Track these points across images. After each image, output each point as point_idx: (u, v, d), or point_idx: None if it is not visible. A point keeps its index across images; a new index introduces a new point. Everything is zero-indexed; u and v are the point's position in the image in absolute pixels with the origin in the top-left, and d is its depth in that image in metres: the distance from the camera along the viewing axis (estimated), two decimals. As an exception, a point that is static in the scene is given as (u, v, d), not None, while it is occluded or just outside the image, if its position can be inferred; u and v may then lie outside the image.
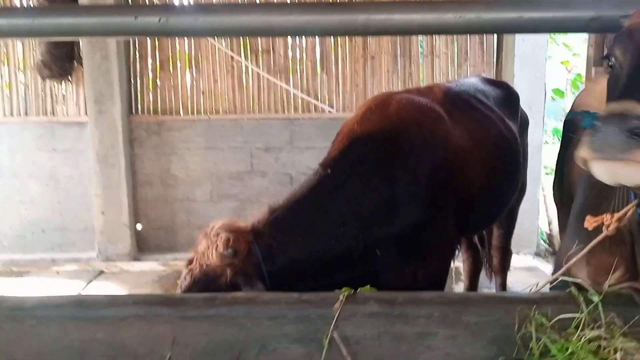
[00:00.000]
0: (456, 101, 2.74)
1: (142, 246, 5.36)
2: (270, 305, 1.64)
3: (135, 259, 5.21)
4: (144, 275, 4.64)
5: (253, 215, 2.28)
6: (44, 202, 5.35)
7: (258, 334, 1.59)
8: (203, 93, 5.37)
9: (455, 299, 1.80)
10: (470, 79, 3.57)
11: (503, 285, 3.65)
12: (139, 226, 5.36)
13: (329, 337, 1.54)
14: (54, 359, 1.61)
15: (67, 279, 4.53)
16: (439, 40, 5.29)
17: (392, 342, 1.57)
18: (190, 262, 2.10)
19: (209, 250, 2.02)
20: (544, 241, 5.47)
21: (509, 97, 3.26)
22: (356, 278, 1.95)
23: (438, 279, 2.44)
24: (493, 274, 3.71)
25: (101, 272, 4.69)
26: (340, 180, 2.23)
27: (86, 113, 5.27)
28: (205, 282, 1.98)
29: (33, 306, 1.65)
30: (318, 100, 5.31)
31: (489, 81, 3.40)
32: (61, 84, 5.26)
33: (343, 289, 1.60)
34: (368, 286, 1.67)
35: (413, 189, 2.27)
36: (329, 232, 2.14)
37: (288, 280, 2.03)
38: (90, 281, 4.47)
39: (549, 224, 5.47)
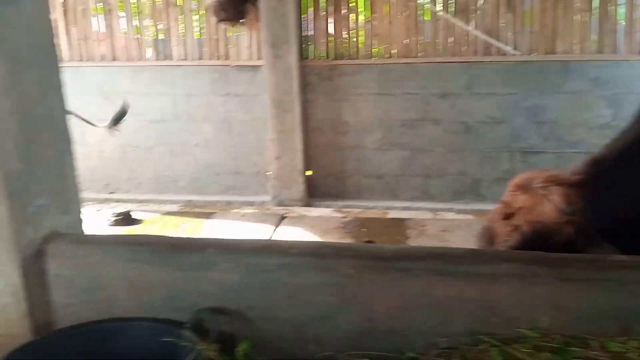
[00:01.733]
0: None
1: (312, 192, 5.36)
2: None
3: (307, 204, 5.23)
4: (324, 221, 4.62)
5: (572, 166, 2.07)
6: (218, 146, 5.45)
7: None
8: (376, 36, 5.15)
9: None
10: None
11: None
12: (310, 172, 5.34)
13: None
14: (417, 313, 1.52)
15: (253, 222, 4.60)
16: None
17: None
18: (506, 215, 1.95)
19: (541, 204, 1.85)
20: None
21: None
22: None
23: None
24: None
25: (283, 217, 4.72)
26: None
27: (259, 57, 5.23)
28: (537, 240, 1.83)
29: (393, 256, 1.56)
30: (500, 42, 4.94)
31: None
32: (235, 27, 5.22)
33: None
34: None
35: None
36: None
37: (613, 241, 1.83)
38: (278, 225, 4.51)
39: None
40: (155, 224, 4.64)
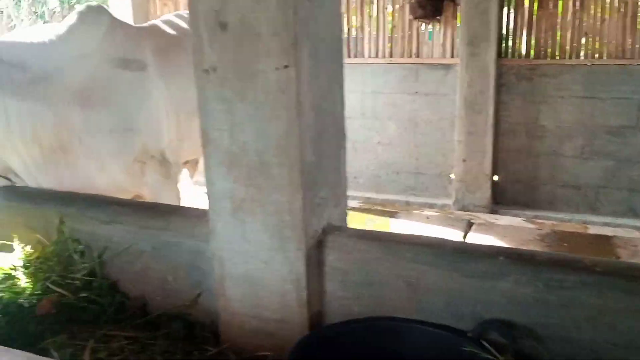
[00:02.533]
0: None
1: (498, 198, 5.10)
2: None
3: (492, 211, 4.98)
4: (517, 231, 4.36)
5: None
6: (401, 145, 5.40)
7: None
8: (586, 34, 4.74)
9: None
10: None
11: None
12: (496, 177, 5.09)
13: None
14: None
15: (439, 226, 4.48)
16: None
17: None
18: None
19: None
20: None
21: None
22: None
23: None
24: None
25: (471, 223, 4.54)
26: None
27: (452, 55, 5.08)
28: None
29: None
30: None
31: None
32: (430, 24, 5.12)
33: None
34: None
35: None
36: None
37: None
38: (467, 231, 4.34)
39: None
40: (342, 218, 4.70)
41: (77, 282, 1.88)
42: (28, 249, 2.01)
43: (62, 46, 2.31)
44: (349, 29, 5.44)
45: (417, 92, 5.23)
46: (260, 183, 1.54)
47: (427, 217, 4.73)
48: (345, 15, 5.43)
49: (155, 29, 2.89)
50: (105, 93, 2.37)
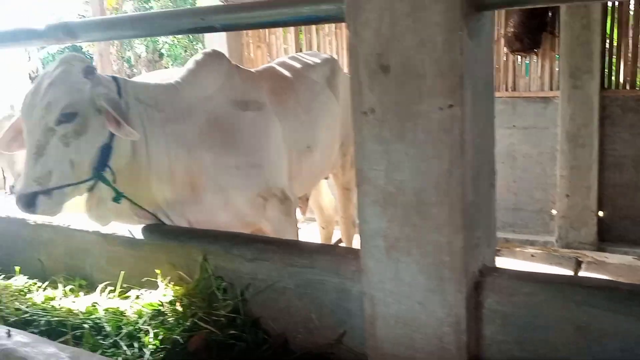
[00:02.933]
0: None
1: (605, 235, 4.84)
2: None
3: (599, 249, 4.73)
4: (631, 271, 4.10)
5: None
6: (499, 180, 5.24)
7: None
8: (699, 62, 4.50)
9: None
10: None
11: None
12: (601, 213, 4.85)
13: None
14: None
15: (545, 264, 4.30)
16: None
17: None
18: None
19: None
20: None
21: None
22: None
23: None
24: None
25: (579, 262, 4.33)
26: None
27: (551, 88, 4.96)
28: None
29: None
30: None
31: None
32: (526, 57, 5.04)
33: None
34: None
35: None
36: None
37: None
38: (576, 271, 4.14)
39: None
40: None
41: (222, 319, 1.92)
42: (172, 285, 2.09)
43: (189, 88, 2.44)
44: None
45: (514, 126, 5.11)
46: (417, 222, 1.54)
47: (532, 255, 4.55)
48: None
49: (271, 71, 3.00)
50: (230, 132, 2.48)
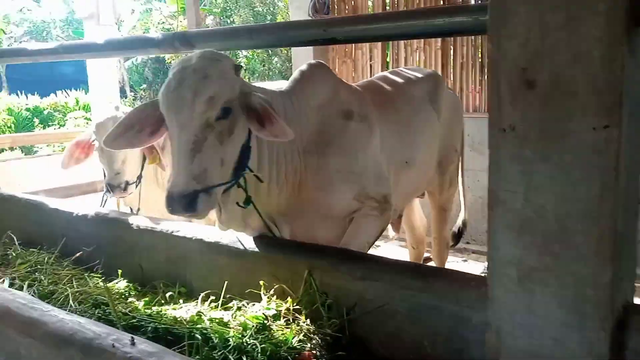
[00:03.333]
0: None
1: None
2: None
3: None
4: None
5: None
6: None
7: None
8: None
9: None
10: None
11: None
12: None
13: None
14: None
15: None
16: None
17: None
18: None
19: None
20: None
21: None
22: None
23: None
24: None
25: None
26: None
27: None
28: None
29: None
30: None
31: None
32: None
33: None
34: None
35: None
36: None
37: None
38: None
39: None
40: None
41: (327, 337, 1.86)
42: (275, 298, 2.06)
43: (300, 96, 2.46)
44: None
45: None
46: (558, 251, 1.42)
47: None
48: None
49: (372, 84, 2.97)
50: (335, 138, 2.51)
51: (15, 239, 2.91)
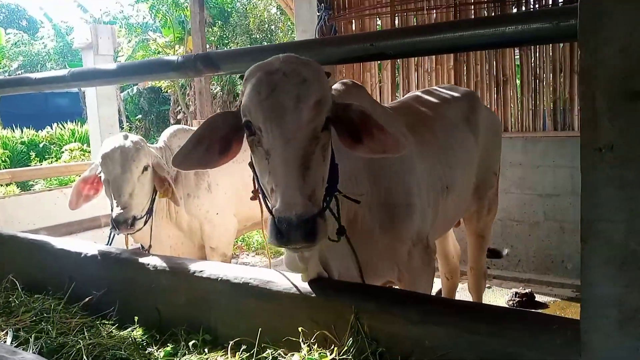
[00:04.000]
0: None
1: None
2: None
3: None
4: None
5: None
6: None
7: None
8: None
9: None
10: None
11: None
12: None
13: None
14: None
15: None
16: None
17: None
18: None
19: None
20: None
21: None
22: None
23: None
24: None
25: None
26: None
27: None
28: None
29: None
30: None
31: None
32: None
33: None
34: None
35: None
36: None
37: None
38: None
39: None
40: (564, 310, 4.14)
41: (382, 392, 1.62)
42: (315, 347, 1.82)
43: None
44: (555, 101, 5.06)
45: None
46: (669, 290, 1.20)
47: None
48: (552, 87, 5.07)
49: (406, 105, 2.77)
50: (381, 167, 2.17)
51: (17, 284, 2.67)
